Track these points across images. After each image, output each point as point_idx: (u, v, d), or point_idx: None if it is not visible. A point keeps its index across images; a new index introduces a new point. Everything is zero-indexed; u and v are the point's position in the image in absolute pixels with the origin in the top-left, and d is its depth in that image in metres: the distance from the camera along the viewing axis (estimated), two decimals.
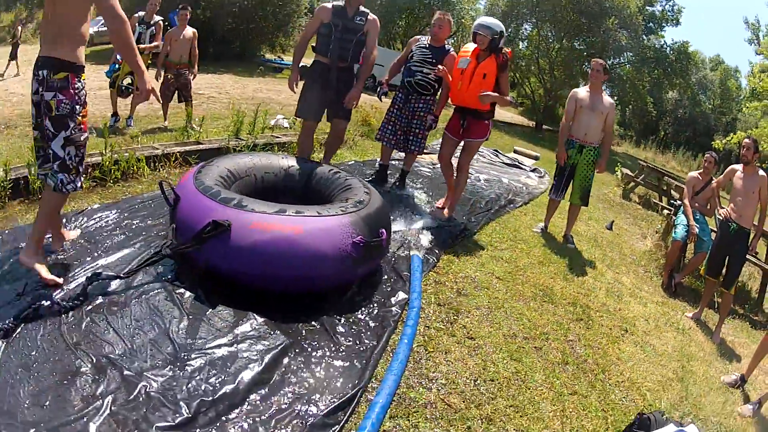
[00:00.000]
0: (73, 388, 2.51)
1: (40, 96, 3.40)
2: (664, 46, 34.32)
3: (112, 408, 2.39)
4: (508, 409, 3.16)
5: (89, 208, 4.51)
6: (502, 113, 24.96)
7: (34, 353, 2.69)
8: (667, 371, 4.49)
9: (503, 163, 11.95)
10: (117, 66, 9.12)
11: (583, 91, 6.91)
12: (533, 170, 11.88)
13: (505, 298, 4.59)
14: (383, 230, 3.92)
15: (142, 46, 8.78)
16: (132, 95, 9.22)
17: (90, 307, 3.08)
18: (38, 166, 3.58)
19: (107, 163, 5.36)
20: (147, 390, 2.56)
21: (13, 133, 8.21)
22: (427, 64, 6.23)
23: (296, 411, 2.66)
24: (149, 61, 9.19)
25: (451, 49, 6.33)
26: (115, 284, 3.34)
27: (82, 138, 3.48)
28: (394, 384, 2.96)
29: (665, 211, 9.72)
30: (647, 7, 34.55)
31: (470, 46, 5.88)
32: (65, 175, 3.43)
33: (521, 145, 16.72)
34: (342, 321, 3.52)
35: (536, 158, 14.40)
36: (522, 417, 3.14)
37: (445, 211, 6.25)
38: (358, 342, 3.34)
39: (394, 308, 3.80)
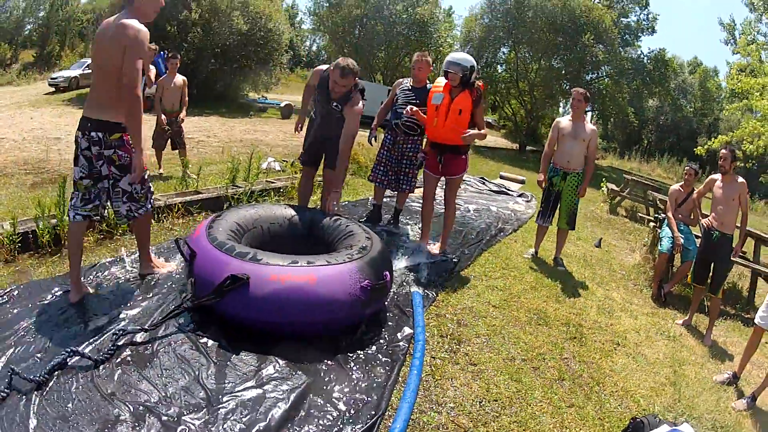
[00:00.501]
0: None
1: (99, 152, 4.07)
2: (641, 56, 34.92)
3: None
4: (512, 425, 3.51)
5: (100, 262, 4.84)
6: (486, 142, 25.44)
7: (70, 405, 2.96)
8: (660, 377, 4.84)
9: (490, 190, 12.35)
10: None
11: (565, 120, 7.28)
12: (520, 195, 12.32)
13: (502, 325, 4.94)
14: (387, 273, 4.29)
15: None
16: None
17: (119, 359, 3.40)
18: (81, 206, 4.22)
19: (112, 216, 5.51)
20: None
21: (10, 182, 8.44)
22: (411, 101, 6.57)
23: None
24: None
25: (432, 87, 6.47)
26: (140, 336, 3.68)
27: (145, 176, 4.35)
28: (408, 411, 3.28)
29: (651, 224, 10.11)
30: (622, 19, 35.07)
31: (442, 81, 6.10)
32: (134, 204, 4.33)
33: (506, 170, 17.22)
34: (355, 357, 3.86)
35: (522, 182, 14.86)
36: (525, 431, 3.49)
37: (436, 247, 6.55)
38: (372, 375, 3.67)
39: (401, 343, 4.15)
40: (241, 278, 3.74)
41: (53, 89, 28.68)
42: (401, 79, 7.07)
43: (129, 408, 2.98)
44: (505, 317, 5.15)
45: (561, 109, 42.28)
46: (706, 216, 6.70)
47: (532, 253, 7.52)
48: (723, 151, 6.48)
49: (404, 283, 5.31)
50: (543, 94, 33.32)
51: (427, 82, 6.81)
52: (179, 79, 9.59)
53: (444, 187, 6.54)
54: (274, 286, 3.77)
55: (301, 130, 6.38)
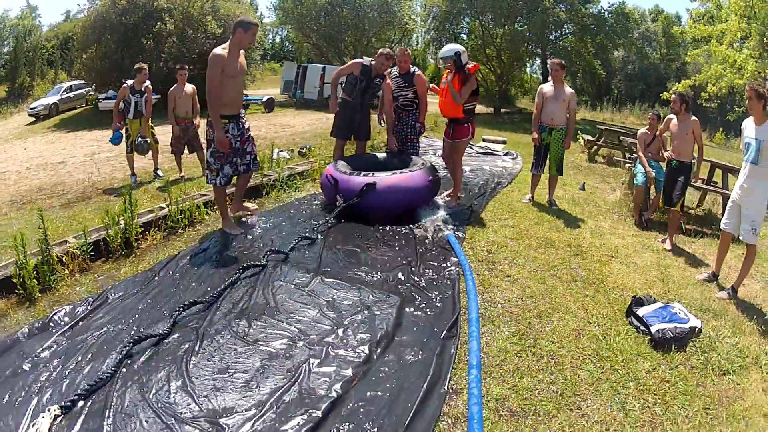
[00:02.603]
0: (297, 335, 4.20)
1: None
2: (602, 11, 36.05)
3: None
4: (548, 309, 5.04)
5: (182, 251, 6.03)
6: None
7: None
8: (650, 277, 6.32)
9: (478, 153, 14.00)
10: (120, 133, 10.47)
11: (547, 86, 8.87)
12: (506, 153, 14.04)
13: (519, 250, 6.53)
14: (438, 174, 7.77)
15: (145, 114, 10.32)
16: (152, 149, 10.65)
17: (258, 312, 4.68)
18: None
19: (174, 214, 6.82)
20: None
21: (36, 207, 8.71)
22: (403, 89, 8.44)
23: (427, 330, 4.42)
24: (151, 124, 10.62)
25: (416, 69, 8.54)
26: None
27: (212, 154, 6.42)
28: (476, 308, 4.75)
29: (627, 165, 11.63)
30: None
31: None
32: (209, 172, 6.60)
33: (487, 133, 18.70)
34: (425, 282, 5.34)
35: (503, 143, 16.37)
36: (558, 312, 5.00)
37: (452, 199, 8.39)
38: (441, 291, 5.14)
39: (452, 268, 5.68)
40: (372, 184, 6.85)
41: (33, 119, 29.28)
42: (389, 69, 8.56)
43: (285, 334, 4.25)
44: (520, 245, 6.74)
45: (528, 69, 43.67)
46: (667, 151, 8.26)
47: (529, 198, 9.14)
48: (673, 95, 8.01)
49: (437, 229, 6.89)
50: (510, 57, 34.77)
51: (410, 67, 8.62)
52: (189, 87, 10.55)
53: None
54: (388, 184, 6.90)
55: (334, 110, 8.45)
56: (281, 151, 12.06)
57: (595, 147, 15.85)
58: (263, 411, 3.26)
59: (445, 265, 5.79)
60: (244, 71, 6.56)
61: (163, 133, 11.43)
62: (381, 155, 8.54)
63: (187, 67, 10.85)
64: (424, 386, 3.56)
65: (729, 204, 6.52)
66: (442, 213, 7.59)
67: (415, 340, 4.27)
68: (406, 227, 6.88)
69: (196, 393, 3.41)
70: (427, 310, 4.80)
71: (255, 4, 33.41)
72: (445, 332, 4.34)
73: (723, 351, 4.68)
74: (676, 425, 3.60)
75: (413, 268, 5.65)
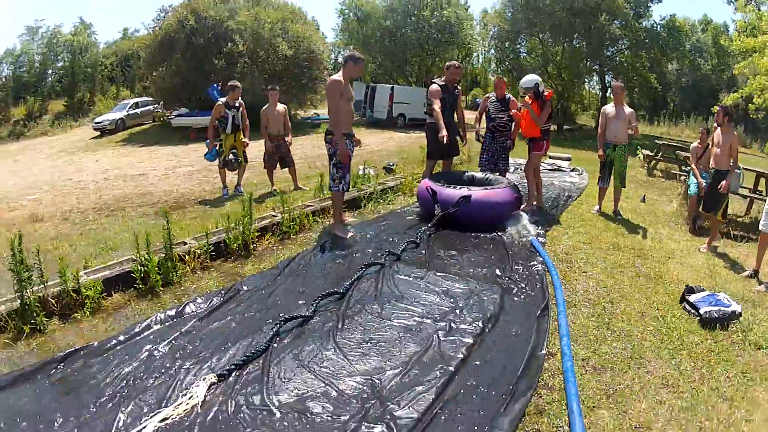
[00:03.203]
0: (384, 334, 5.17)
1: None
2: (654, 25, 36.41)
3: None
4: (618, 297, 6.05)
5: (302, 251, 7.05)
6: None
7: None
8: (701, 274, 7.29)
9: (546, 170, 14.90)
10: (215, 150, 11.08)
11: (609, 107, 9.89)
12: (573, 170, 15.11)
13: (592, 252, 7.61)
14: (521, 192, 9.06)
15: (245, 133, 11.17)
16: (239, 167, 11.34)
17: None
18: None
19: (286, 221, 7.88)
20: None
21: (130, 214, 9.83)
22: (500, 112, 9.73)
23: (524, 312, 5.43)
24: (245, 140, 11.22)
25: (510, 96, 9.82)
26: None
27: (335, 164, 7.63)
28: (561, 295, 5.76)
29: (682, 177, 12.50)
30: None
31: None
32: (331, 181, 7.76)
33: (551, 150, 19.55)
34: (517, 276, 6.42)
35: (569, 159, 17.44)
36: (625, 299, 6.00)
37: (528, 205, 9.75)
38: (531, 288, 6.12)
39: (538, 266, 6.75)
40: (468, 196, 8.02)
41: (98, 133, 30.41)
42: (487, 95, 10.31)
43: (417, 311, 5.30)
44: (592, 248, 7.81)
45: (586, 85, 44.22)
46: None
47: (597, 209, 10.19)
48: (717, 108, 8.80)
49: (522, 236, 8.06)
50: (570, 75, 35.55)
51: (505, 93, 9.89)
52: (281, 107, 11.43)
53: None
54: (481, 198, 8.12)
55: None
56: (366, 168, 12.89)
57: (654, 161, 16.65)
58: (408, 368, 4.22)
59: (532, 263, 6.84)
60: (353, 97, 7.75)
61: (253, 149, 12.26)
62: (467, 172, 9.76)
63: (277, 89, 11.68)
64: (528, 350, 4.55)
65: (766, 207, 7.49)
66: (524, 222, 8.68)
67: (516, 318, 5.28)
68: (496, 234, 8.03)
69: (348, 359, 4.37)
70: (523, 297, 5.83)
71: (317, 24, 34.61)
72: (539, 312, 5.35)
73: (759, 331, 5.57)
74: (719, 382, 4.50)
75: (507, 266, 6.68)
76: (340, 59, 70.07)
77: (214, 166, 12.18)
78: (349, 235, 7.80)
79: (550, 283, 6.23)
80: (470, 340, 4.70)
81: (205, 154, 11.49)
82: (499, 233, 8.07)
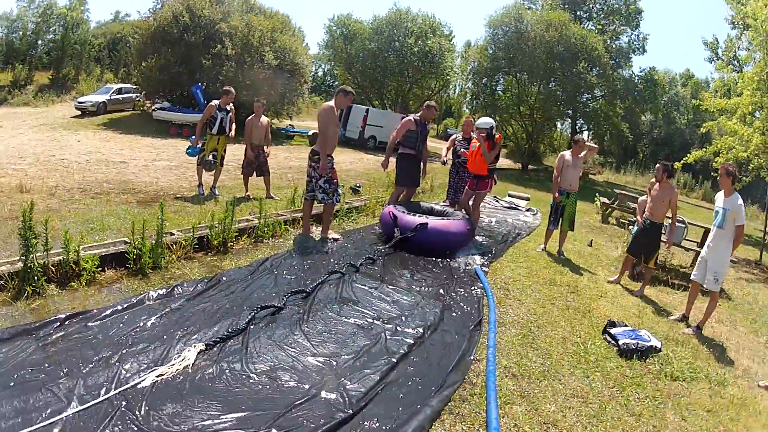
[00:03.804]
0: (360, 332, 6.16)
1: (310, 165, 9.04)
2: (633, 76, 38.16)
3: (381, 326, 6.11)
4: (545, 323, 7.05)
5: (275, 254, 8.04)
6: None
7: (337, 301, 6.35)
8: (629, 313, 8.26)
9: (504, 207, 16.23)
10: (199, 147, 11.91)
11: (568, 154, 10.97)
12: (528, 210, 16.27)
13: (529, 284, 8.61)
14: (474, 224, 10.23)
15: (230, 133, 12.01)
16: (215, 168, 12.11)
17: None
18: (306, 192, 9.22)
19: (261, 226, 8.87)
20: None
21: (114, 200, 10.51)
22: (466, 148, 10.97)
23: (460, 325, 6.39)
24: (227, 142, 12.20)
25: (474, 136, 10.82)
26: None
27: (327, 180, 8.92)
28: (494, 316, 6.78)
29: (629, 226, 13.62)
30: (615, 42, 38.71)
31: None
32: (325, 195, 8.97)
33: (512, 188, 21.00)
34: (457, 297, 7.41)
35: (527, 199, 18.63)
36: (551, 326, 6.99)
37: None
38: (469, 307, 7.13)
39: (478, 290, 7.78)
40: (425, 224, 9.10)
41: (80, 113, 30.76)
42: (455, 135, 11.78)
43: (369, 314, 6.25)
44: (530, 281, 8.82)
45: (559, 127, 45.53)
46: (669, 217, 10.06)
47: (542, 248, 11.23)
48: (657, 165, 9.80)
49: (468, 264, 9.07)
50: (542, 117, 36.62)
51: (472, 134, 11.16)
52: (264, 119, 12.37)
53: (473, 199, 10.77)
54: (437, 228, 9.19)
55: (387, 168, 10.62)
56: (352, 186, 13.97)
57: (609, 209, 17.80)
58: (359, 355, 5.22)
59: (472, 288, 7.89)
60: (339, 124, 8.83)
61: (230, 154, 13.22)
62: (425, 204, 11.01)
63: (264, 102, 12.63)
64: (459, 354, 5.58)
65: (699, 259, 8.49)
66: (472, 252, 9.79)
67: (452, 329, 6.29)
68: (445, 260, 9.05)
69: (311, 343, 5.36)
70: (460, 313, 6.86)
71: (303, 34, 35.56)
72: (472, 327, 6.39)
73: (678, 366, 6.50)
74: (629, 401, 5.42)
75: (450, 287, 7.76)
76: (320, 73, 71.36)
77: (191, 164, 13.25)
78: (338, 237, 9.53)
79: (486, 305, 7.26)
80: (411, 341, 5.71)
81: (188, 149, 12.37)
82: (449, 260, 9.10)
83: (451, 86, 53.98)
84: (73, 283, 6.06)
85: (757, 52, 18.10)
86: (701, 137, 46.01)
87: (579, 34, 33.52)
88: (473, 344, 5.96)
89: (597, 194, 20.96)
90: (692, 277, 8.51)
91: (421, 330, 6.02)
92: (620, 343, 6.64)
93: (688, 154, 20.40)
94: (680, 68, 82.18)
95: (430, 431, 4.29)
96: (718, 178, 8.35)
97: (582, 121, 42.00)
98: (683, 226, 12.19)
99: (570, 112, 39.67)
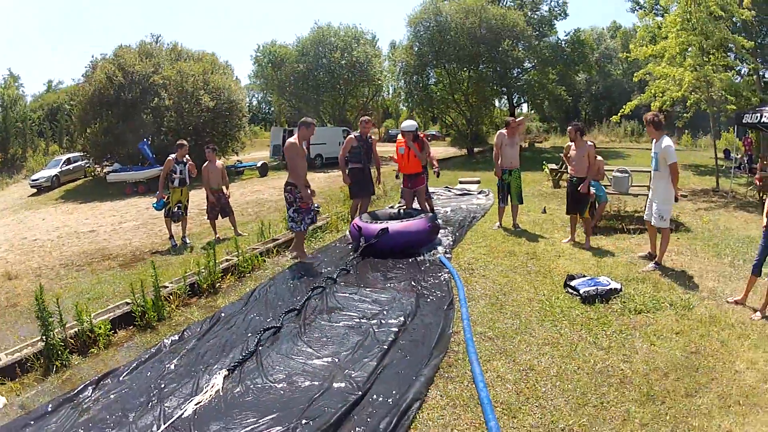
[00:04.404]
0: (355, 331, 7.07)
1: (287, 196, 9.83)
2: (559, 41, 39.39)
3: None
4: (510, 290, 8.05)
5: (260, 284, 8.91)
6: (438, 152, 29.19)
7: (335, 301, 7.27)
8: (587, 265, 9.21)
9: (456, 194, 17.47)
10: (164, 201, 12.64)
11: (503, 133, 11.82)
12: (480, 192, 17.57)
13: (490, 260, 9.65)
14: (438, 222, 10.94)
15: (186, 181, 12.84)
16: (182, 219, 12.94)
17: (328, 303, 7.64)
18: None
19: (241, 262, 9.73)
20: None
21: (98, 267, 11.33)
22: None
23: (435, 307, 7.36)
24: (187, 191, 13.03)
25: (421, 134, 11.85)
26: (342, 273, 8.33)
27: (296, 210, 9.80)
28: (463, 293, 7.79)
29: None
30: (536, 13, 39.90)
31: (400, 137, 11.78)
32: (294, 224, 9.91)
33: (462, 175, 22.16)
34: (428, 286, 8.38)
35: (478, 182, 19.89)
36: (516, 291, 8.00)
37: None
38: (440, 291, 8.13)
39: (445, 275, 8.78)
40: (385, 229, 10.02)
41: (35, 190, 30.83)
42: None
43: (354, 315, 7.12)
44: (491, 257, 9.87)
45: (497, 103, 46.68)
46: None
47: (498, 226, 12.25)
48: (569, 127, 10.75)
49: (432, 255, 10.10)
50: (477, 99, 37.99)
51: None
52: (219, 163, 13.30)
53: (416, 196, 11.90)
54: (397, 230, 10.10)
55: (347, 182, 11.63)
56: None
57: (558, 174, 18.86)
58: (356, 349, 6.15)
59: (440, 274, 8.91)
60: (305, 153, 9.83)
61: (197, 198, 14.25)
62: (395, 210, 12.00)
63: (215, 148, 13.60)
64: (439, 331, 6.58)
65: (647, 201, 9.44)
66: (435, 245, 10.78)
67: (429, 312, 7.29)
68: (412, 257, 9.98)
69: (313, 348, 6.30)
70: (433, 298, 7.84)
71: (231, 68, 36.32)
72: (446, 307, 7.40)
73: (640, 300, 7.40)
74: (597, 338, 6.32)
75: (420, 278, 8.74)
76: (254, 102, 71.98)
77: (156, 220, 14.43)
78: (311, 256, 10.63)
79: (454, 286, 8.25)
80: (396, 329, 6.66)
81: (154, 204, 13.13)
82: (415, 257, 10.03)
83: (384, 89, 55.14)
84: (93, 349, 6.74)
85: None
86: (639, 84, 47.51)
87: (498, 14, 34.64)
88: (449, 321, 6.94)
89: (544, 162, 22.17)
90: (645, 217, 9.50)
91: (402, 319, 6.98)
92: (581, 292, 7.55)
93: (624, 105, 21.33)
94: (606, 22, 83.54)
95: (427, 395, 5.22)
96: (646, 127, 9.27)
97: (517, 95, 43.21)
98: (627, 175, 13.06)
99: (504, 89, 40.92)
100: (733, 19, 20.05)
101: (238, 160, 35.15)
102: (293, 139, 9.66)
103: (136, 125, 28.86)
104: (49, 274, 11.06)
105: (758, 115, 16.58)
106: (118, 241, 14.42)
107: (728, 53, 21.18)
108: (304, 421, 4.75)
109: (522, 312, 7.22)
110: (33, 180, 32.13)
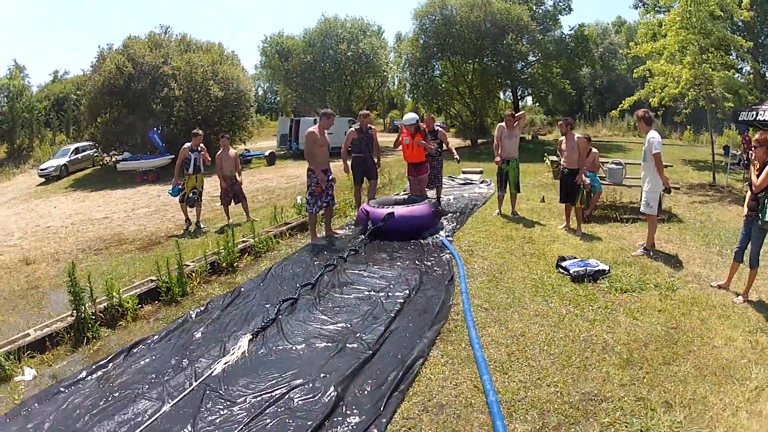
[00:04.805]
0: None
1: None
2: (563, 36, 39.69)
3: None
4: (506, 269, 8.75)
5: (275, 263, 9.57)
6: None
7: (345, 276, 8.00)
8: (579, 249, 9.86)
9: (459, 184, 18.37)
10: (179, 187, 13.41)
11: (503, 126, 12.52)
12: (482, 182, 18.39)
13: (489, 243, 10.38)
14: (440, 207, 12.02)
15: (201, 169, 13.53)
16: (197, 204, 13.53)
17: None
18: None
19: (257, 243, 10.45)
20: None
21: (117, 251, 11.88)
22: (431, 142, 12.42)
23: (437, 283, 8.09)
24: (202, 178, 13.76)
25: (439, 129, 13.10)
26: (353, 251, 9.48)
27: (310, 193, 10.76)
28: (462, 271, 8.53)
29: None
30: (540, 7, 40.17)
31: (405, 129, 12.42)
32: (308, 205, 10.91)
33: (466, 165, 22.58)
34: (430, 265, 9.09)
35: (480, 172, 20.60)
36: (512, 270, 8.69)
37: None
38: (443, 270, 8.82)
39: (447, 257, 9.50)
40: (391, 213, 10.83)
41: (44, 180, 31.33)
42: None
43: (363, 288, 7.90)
44: (489, 240, 10.59)
45: (502, 95, 47.28)
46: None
47: (497, 213, 12.99)
48: (560, 122, 11.56)
49: (435, 238, 10.81)
50: (482, 92, 38.63)
51: (434, 127, 13.25)
52: (232, 152, 13.89)
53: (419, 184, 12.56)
54: (402, 214, 10.93)
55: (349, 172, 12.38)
56: (302, 197, 15.27)
57: (559, 165, 19.43)
58: (366, 317, 6.91)
59: (442, 255, 9.64)
60: (327, 142, 10.58)
61: (209, 186, 14.79)
62: (401, 196, 13.13)
63: (229, 137, 14.08)
64: (440, 302, 7.32)
65: (642, 193, 9.92)
66: (438, 229, 11.45)
67: (431, 287, 8.04)
68: (415, 241, 10.70)
69: (328, 316, 7.04)
70: (435, 275, 8.58)
71: (238, 59, 36.76)
72: (447, 282, 8.13)
73: (626, 281, 8.03)
74: (584, 311, 6.98)
75: (424, 258, 9.48)
76: (260, 92, 72.48)
77: (168, 207, 15.20)
78: (341, 232, 11.74)
79: (455, 265, 8.97)
80: (402, 300, 7.43)
81: (170, 190, 13.89)
82: (418, 239, 10.78)
83: (389, 80, 55.62)
84: (121, 322, 7.29)
85: None
86: (642, 79, 47.66)
87: (503, 8, 35.13)
88: (450, 294, 7.69)
89: (546, 153, 22.86)
90: (642, 209, 9.96)
91: (407, 292, 7.75)
92: (572, 272, 8.26)
93: (623, 101, 21.96)
94: (611, 17, 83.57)
95: (429, 354, 5.94)
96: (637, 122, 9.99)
97: (521, 88, 43.79)
98: (621, 167, 13.79)
99: (508, 82, 41.34)
100: (733, 18, 20.64)
101: (246, 149, 35.51)
102: (314, 128, 10.49)
103: (146, 115, 29.50)
104: (67, 258, 11.29)
105: (754, 113, 17.12)
106: (133, 226, 14.94)
107: (728, 53, 21.77)
108: (322, 375, 5.45)
109: (516, 288, 7.93)
110: (42, 169, 32.50)
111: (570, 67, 40.64)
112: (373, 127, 12.73)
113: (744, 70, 29.69)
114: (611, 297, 7.55)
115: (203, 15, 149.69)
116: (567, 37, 40.71)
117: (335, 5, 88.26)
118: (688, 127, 39.68)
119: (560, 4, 42.04)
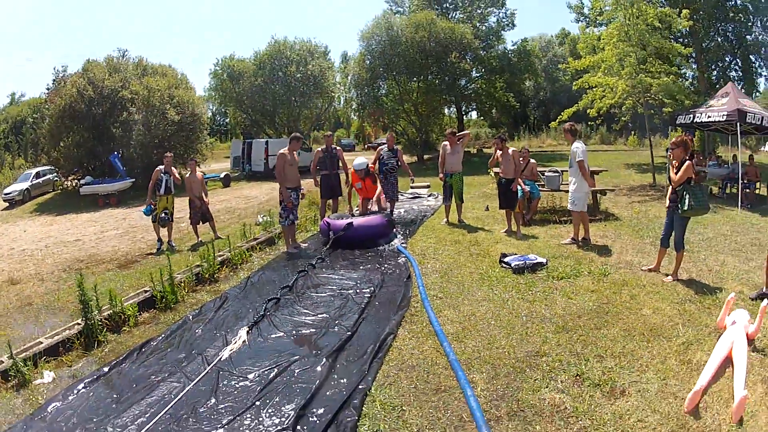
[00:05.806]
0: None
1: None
2: (506, 51, 41.49)
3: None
4: (455, 267, 10.26)
5: (252, 272, 10.89)
6: None
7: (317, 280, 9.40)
8: (520, 248, 11.24)
9: (409, 198, 19.94)
10: (152, 207, 14.02)
11: (446, 144, 13.98)
12: (430, 195, 20.03)
13: (439, 248, 11.84)
14: (392, 218, 14.16)
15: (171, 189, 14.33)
16: (168, 224, 14.25)
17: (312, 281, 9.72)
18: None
19: (233, 256, 11.61)
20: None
21: (96, 270, 12.28)
22: (390, 159, 14.17)
23: (396, 281, 9.56)
24: (172, 199, 14.54)
25: (398, 147, 14.51)
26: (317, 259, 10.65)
27: (283, 208, 12.11)
28: (417, 270, 10.04)
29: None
30: (484, 24, 42.15)
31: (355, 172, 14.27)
32: (281, 218, 12.35)
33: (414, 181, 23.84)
34: (389, 267, 10.61)
35: (428, 186, 22.25)
36: (460, 267, 10.21)
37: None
38: (401, 271, 10.33)
39: (402, 260, 11.03)
40: (351, 223, 12.51)
41: (7, 204, 31.22)
42: (380, 146, 15.03)
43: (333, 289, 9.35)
44: (440, 245, 12.06)
45: (447, 111, 48.52)
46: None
47: (445, 221, 14.45)
48: (495, 140, 13.11)
49: (390, 246, 12.31)
50: (427, 109, 39.85)
51: (394, 145, 14.61)
52: (199, 173, 14.92)
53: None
54: (360, 225, 12.66)
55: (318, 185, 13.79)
56: (264, 216, 16.76)
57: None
58: (340, 310, 8.31)
59: (398, 259, 11.19)
60: (297, 161, 11.99)
61: (180, 208, 15.77)
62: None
63: (197, 160, 15.50)
64: (401, 295, 8.81)
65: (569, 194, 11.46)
66: (392, 238, 12.92)
67: (392, 284, 9.50)
68: (373, 249, 12.22)
69: (309, 310, 8.43)
70: (394, 275, 10.05)
71: (190, 81, 37.28)
72: (405, 279, 9.64)
73: (562, 270, 9.46)
74: (524, 295, 8.34)
75: (383, 262, 11.00)
76: (209, 114, 72.44)
77: (137, 228, 16.28)
78: (304, 246, 12.86)
79: (410, 266, 10.45)
80: (369, 295, 8.89)
81: (143, 209, 14.67)
82: (376, 247, 12.31)
83: (336, 100, 57.43)
84: (124, 328, 8.08)
85: (619, 11, 21.24)
86: (583, 90, 49.30)
87: (447, 28, 36.67)
88: (409, 288, 9.15)
89: (489, 169, 24.31)
90: (569, 207, 11.55)
91: (372, 288, 9.21)
92: (513, 265, 9.68)
93: (562, 113, 23.57)
94: (555, 30, 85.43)
95: (398, 332, 7.37)
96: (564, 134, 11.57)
97: (465, 104, 45.59)
98: (558, 174, 15.31)
99: (453, 98, 42.89)
100: (672, 28, 22.24)
101: (201, 172, 34.62)
102: (284, 150, 11.98)
103: (106, 139, 30.21)
104: (51, 278, 11.90)
105: (691, 116, 18.82)
106: (106, 248, 15.64)
107: (669, 60, 23.33)
108: (314, 352, 6.88)
109: (465, 281, 9.36)
110: (6, 194, 32.49)
111: (513, 81, 42.23)
112: (338, 147, 14.31)
113: (688, 75, 31.33)
114: (549, 283, 8.97)
115: (157, 37, 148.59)
116: (510, 52, 42.49)
117: (285, 27, 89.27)
118: (633, 132, 41.62)
119: (503, 20, 44.11)
